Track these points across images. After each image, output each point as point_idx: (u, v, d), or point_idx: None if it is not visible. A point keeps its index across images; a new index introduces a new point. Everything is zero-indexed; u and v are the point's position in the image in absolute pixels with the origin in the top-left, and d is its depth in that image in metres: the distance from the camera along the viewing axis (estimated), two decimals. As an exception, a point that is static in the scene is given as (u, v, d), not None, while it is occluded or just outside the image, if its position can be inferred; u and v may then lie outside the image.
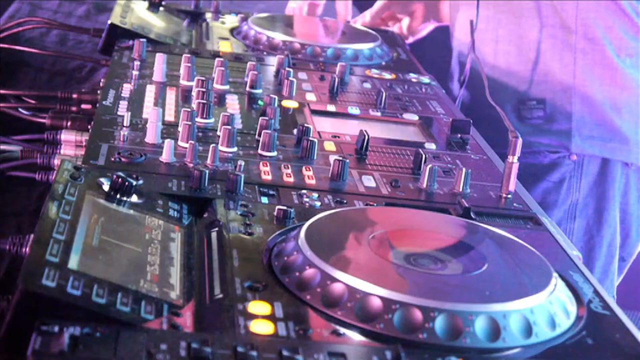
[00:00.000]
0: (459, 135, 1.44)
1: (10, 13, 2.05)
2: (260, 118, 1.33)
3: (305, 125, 1.33)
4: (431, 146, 1.39)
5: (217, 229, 1.04)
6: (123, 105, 1.38)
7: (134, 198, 1.05)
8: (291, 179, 1.21)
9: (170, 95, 1.46)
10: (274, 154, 1.27)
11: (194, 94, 1.42)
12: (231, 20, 1.97)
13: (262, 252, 0.99)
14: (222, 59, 1.57)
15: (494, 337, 0.87)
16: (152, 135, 1.25)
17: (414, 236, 1.04)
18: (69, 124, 1.40)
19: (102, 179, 1.06)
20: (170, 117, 1.36)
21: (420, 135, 1.45)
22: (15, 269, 0.98)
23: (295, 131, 1.35)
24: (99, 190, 1.04)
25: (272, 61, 1.68)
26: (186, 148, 1.21)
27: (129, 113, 1.31)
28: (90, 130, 1.30)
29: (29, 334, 0.78)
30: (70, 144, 1.37)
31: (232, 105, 1.46)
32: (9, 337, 0.81)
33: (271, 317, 0.87)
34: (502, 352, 0.87)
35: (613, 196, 1.82)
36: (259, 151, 1.27)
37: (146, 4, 1.92)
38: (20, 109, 1.52)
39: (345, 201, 1.16)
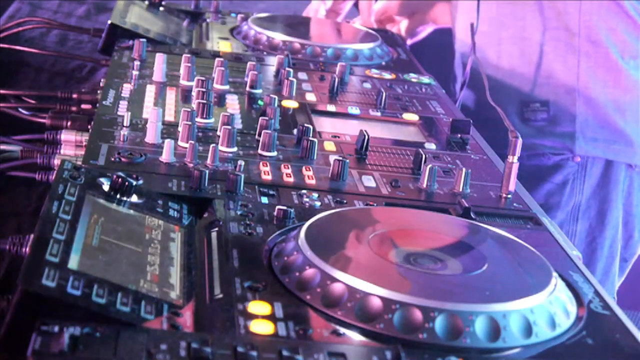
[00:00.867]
0: (459, 135, 1.44)
1: (10, 13, 2.05)
2: (260, 118, 1.33)
3: (305, 125, 1.33)
4: (431, 146, 1.39)
5: (217, 229, 1.04)
6: (123, 105, 1.38)
7: (134, 198, 1.05)
8: (291, 179, 1.21)
9: (170, 95, 1.46)
10: (274, 154, 1.27)
11: (194, 94, 1.42)
12: (231, 20, 1.97)
13: (262, 252, 0.99)
14: (222, 59, 1.57)
15: (494, 337, 0.87)
16: (152, 135, 1.25)
17: (414, 236, 1.04)
18: (69, 124, 1.40)
19: (102, 179, 1.06)
20: (170, 117, 1.36)
21: (420, 135, 1.45)
22: (15, 269, 0.97)
23: (295, 131, 1.35)
24: (99, 190, 1.04)
25: (272, 61, 1.68)
26: (186, 148, 1.21)
27: (129, 113, 1.31)
28: (90, 130, 1.30)
29: (29, 334, 0.78)
30: (70, 144, 1.37)
31: (232, 105, 1.46)
32: (9, 337, 0.81)
33: (271, 317, 0.87)
34: (502, 352, 0.87)
35: (616, 198, 1.82)
36: (259, 151, 1.27)
37: (146, 4, 1.92)
38: (20, 109, 1.52)
39: (345, 201, 1.16)
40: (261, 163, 1.24)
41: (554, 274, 0.97)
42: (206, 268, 0.96)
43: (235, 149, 1.26)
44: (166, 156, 1.20)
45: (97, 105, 1.38)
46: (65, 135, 1.37)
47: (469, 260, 0.99)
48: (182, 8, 1.99)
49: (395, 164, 1.31)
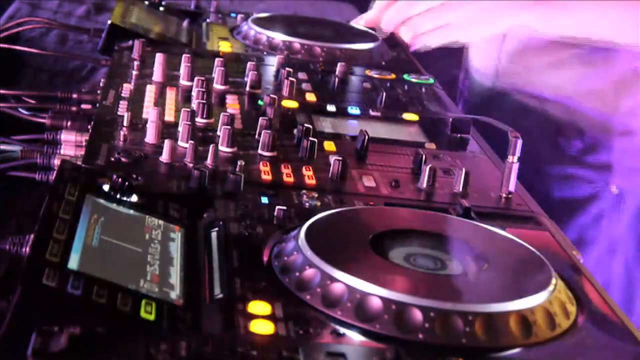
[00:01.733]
0: (459, 135, 1.44)
1: (10, 13, 2.05)
2: (260, 118, 1.33)
3: (305, 125, 1.33)
4: (431, 146, 1.39)
5: (217, 229, 1.04)
6: (123, 105, 1.38)
7: (134, 198, 1.05)
8: (291, 179, 1.21)
9: (170, 95, 1.46)
10: (274, 154, 1.27)
11: (194, 94, 1.42)
12: (231, 20, 1.97)
13: (262, 252, 0.99)
14: (222, 59, 1.57)
15: (493, 338, 0.87)
16: (152, 135, 1.25)
17: (413, 236, 1.04)
18: (69, 124, 1.40)
19: (102, 179, 1.06)
20: (170, 117, 1.36)
21: (420, 135, 1.45)
22: (15, 269, 0.98)
23: (295, 131, 1.35)
24: (99, 190, 1.04)
25: (272, 61, 1.68)
26: (186, 148, 1.22)
27: (129, 113, 1.31)
28: (90, 130, 1.30)
29: (29, 334, 0.78)
30: (70, 144, 1.37)
31: (232, 105, 1.46)
32: (9, 337, 0.81)
33: (271, 317, 0.87)
34: (502, 352, 0.87)
35: None
36: (259, 151, 1.27)
37: (146, 4, 1.92)
38: (20, 109, 1.52)
39: (345, 201, 1.16)
40: (261, 163, 1.24)
41: (554, 274, 0.97)
42: (206, 268, 0.96)
43: (235, 149, 1.26)
44: (166, 156, 1.20)
45: (97, 105, 1.38)
46: (65, 135, 1.37)
47: (468, 260, 0.99)
48: (182, 8, 1.99)
49: (395, 164, 1.31)
